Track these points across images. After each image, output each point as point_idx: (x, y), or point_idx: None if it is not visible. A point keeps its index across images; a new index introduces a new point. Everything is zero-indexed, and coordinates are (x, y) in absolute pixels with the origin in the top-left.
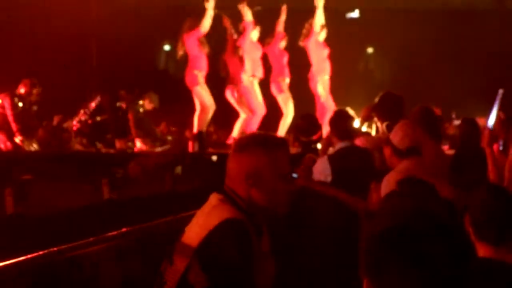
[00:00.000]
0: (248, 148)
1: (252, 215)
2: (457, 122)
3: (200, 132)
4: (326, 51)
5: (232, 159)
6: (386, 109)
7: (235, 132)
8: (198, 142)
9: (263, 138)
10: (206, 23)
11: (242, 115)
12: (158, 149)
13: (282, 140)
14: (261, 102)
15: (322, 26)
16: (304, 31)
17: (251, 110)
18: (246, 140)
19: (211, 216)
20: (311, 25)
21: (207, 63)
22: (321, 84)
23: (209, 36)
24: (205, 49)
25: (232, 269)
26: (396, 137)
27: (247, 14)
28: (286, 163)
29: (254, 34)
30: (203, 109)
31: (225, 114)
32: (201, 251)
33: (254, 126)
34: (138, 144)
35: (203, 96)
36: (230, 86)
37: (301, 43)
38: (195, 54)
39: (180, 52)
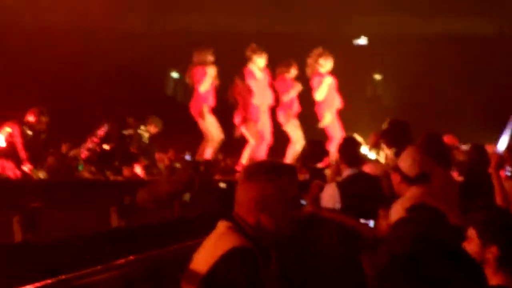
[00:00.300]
0: (256, 176)
1: (260, 241)
2: (465, 148)
3: (198, 162)
4: (333, 84)
5: (240, 186)
6: (394, 136)
7: (244, 159)
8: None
9: (271, 165)
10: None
11: (251, 142)
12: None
13: (290, 166)
14: (268, 129)
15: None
16: (309, 69)
17: (259, 137)
18: (254, 168)
19: (219, 244)
20: (316, 62)
21: (214, 95)
22: (329, 114)
23: (217, 61)
24: (214, 82)
25: None
26: (405, 163)
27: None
28: (294, 190)
29: (260, 61)
30: (207, 139)
31: (234, 141)
32: (209, 279)
33: (262, 153)
34: (139, 171)
35: (207, 128)
36: (238, 113)
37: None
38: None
39: (188, 81)
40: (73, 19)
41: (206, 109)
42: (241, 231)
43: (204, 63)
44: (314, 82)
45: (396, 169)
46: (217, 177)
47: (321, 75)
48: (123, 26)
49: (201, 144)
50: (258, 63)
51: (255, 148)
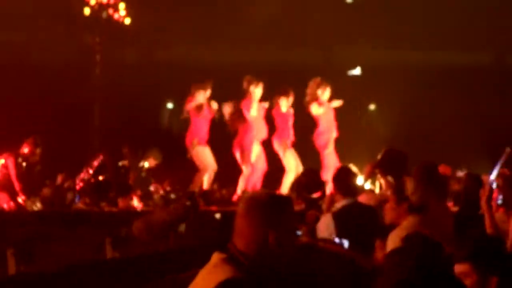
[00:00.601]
0: (255, 207)
1: (256, 273)
2: (461, 174)
3: (193, 192)
4: (331, 112)
5: (240, 217)
6: (389, 165)
7: (240, 189)
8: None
9: (269, 197)
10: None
11: (245, 172)
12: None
13: (287, 198)
14: (263, 158)
15: (323, 85)
16: (308, 97)
17: (251, 166)
18: (254, 199)
19: (212, 276)
20: (314, 90)
21: (208, 128)
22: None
23: (213, 91)
24: (211, 115)
25: None
26: (413, 195)
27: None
28: (292, 221)
29: (258, 91)
30: (200, 169)
31: (229, 171)
32: None
33: (257, 183)
34: (135, 202)
35: (199, 158)
36: (236, 143)
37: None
38: (197, 120)
39: (185, 115)
40: (70, 52)
41: (196, 143)
42: (235, 263)
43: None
44: (313, 107)
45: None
46: (213, 208)
47: (320, 103)
48: (118, 58)
49: (196, 174)
50: (256, 94)
51: (250, 177)
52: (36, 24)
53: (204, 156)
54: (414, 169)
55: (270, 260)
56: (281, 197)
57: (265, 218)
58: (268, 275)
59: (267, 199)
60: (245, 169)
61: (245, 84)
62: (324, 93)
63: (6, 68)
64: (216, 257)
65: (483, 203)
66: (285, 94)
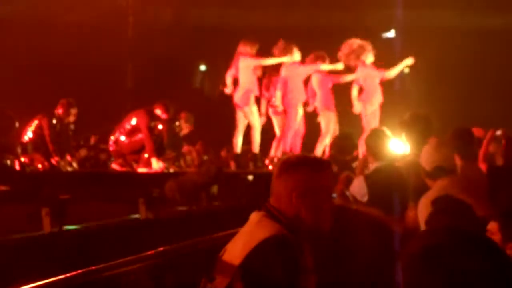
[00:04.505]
0: (296, 168)
1: (295, 233)
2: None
3: (237, 154)
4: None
5: (279, 179)
6: (413, 128)
7: (273, 151)
8: (236, 162)
9: (310, 159)
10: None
11: (278, 134)
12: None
13: (327, 161)
14: (301, 121)
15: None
16: (351, 57)
17: (291, 130)
18: (294, 161)
19: (255, 233)
20: (362, 48)
21: (258, 85)
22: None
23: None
24: (258, 72)
25: (277, 286)
26: (422, 158)
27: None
28: (331, 183)
29: (296, 55)
30: (252, 128)
31: (262, 134)
32: (245, 268)
33: (296, 145)
34: (155, 165)
35: (253, 115)
36: (271, 106)
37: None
38: (248, 76)
39: (232, 73)
40: (103, 13)
41: (252, 97)
42: (277, 220)
43: (247, 54)
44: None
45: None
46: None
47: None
48: (150, 20)
49: (235, 136)
50: (294, 58)
51: (291, 139)
52: None
53: (256, 115)
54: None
55: (309, 221)
56: (321, 159)
57: (298, 180)
58: (307, 235)
59: (307, 161)
60: (278, 132)
61: (277, 51)
62: (368, 57)
63: (39, 29)
64: (256, 215)
65: None
66: (323, 59)
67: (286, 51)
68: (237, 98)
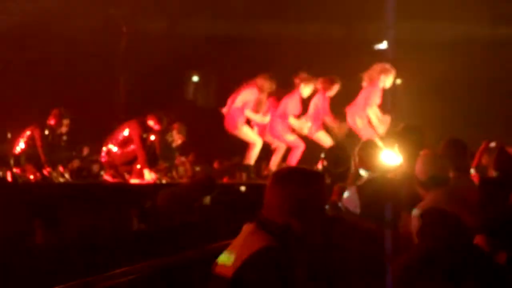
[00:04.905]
0: (288, 180)
1: (287, 244)
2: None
3: (248, 165)
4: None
5: (272, 190)
6: (406, 140)
7: (273, 163)
8: (246, 173)
9: (302, 171)
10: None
11: (281, 147)
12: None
13: (319, 173)
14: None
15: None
16: (367, 76)
17: (292, 144)
18: (287, 172)
19: (247, 244)
20: (377, 75)
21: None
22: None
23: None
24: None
25: None
26: (418, 168)
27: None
28: (324, 195)
29: (307, 90)
30: (252, 145)
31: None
32: (237, 280)
33: (294, 160)
34: (147, 176)
35: (248, 135)
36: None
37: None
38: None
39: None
40: (95, 25)
41: (241, 122)
42: (268, 232)
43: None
44: (367, 91)
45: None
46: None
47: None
48: (143, 30)
49: (249, 148)
50: (304, 92)
51: (290, 153)
52: None
53: (251, 134)
54: (439, 144)
55: (299, 232)
56: (315, 172)
57: (289, 192)
58: (298, 246)
59: (300, 173)
60: (280, 146)
61: (297, 81)
62: (386, 81)
63: (32, 40)
64: (248, 227)
65: None
66: (332, 82)
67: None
68: (227, 123)
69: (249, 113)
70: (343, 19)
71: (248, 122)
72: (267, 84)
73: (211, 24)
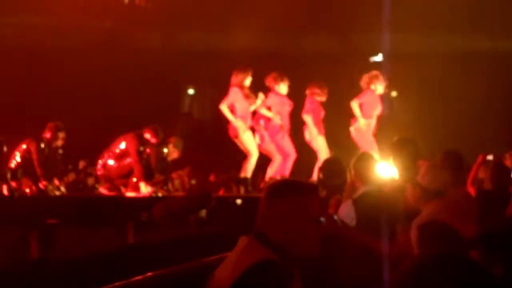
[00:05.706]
0: (283, 194)
1: (283, 257)
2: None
3: (245, 178)
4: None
5: (266, 204)
6: (401, 152)
7: (269, 176)
8: (243, 186)
9: (297, 184)
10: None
11: (277, 159)
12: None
13: (315, 186)
14: (291, 146)
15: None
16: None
17: (283, 155)
18: (281, 186)
19: (243, 257)
20: (370, 82)
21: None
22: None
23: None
24: (251, 99)
25: None
26: (424, 179)
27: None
28: (318, 208)
29: (283, 88)
30: (249, 155)
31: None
32: None
33: (286, 171)
34: (143, 189)
35: (247, 144)
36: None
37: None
38: (242, 105)
39: (227, 103)
40: (91, 38)
41: (243, 128)
42: (263, 246)
43: (241, 85)
44: (364, 97)
45: (416, 184)
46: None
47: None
48: (141, 42)
49: (246, 160)
50: (281, 90)
51: (281, 165)
52: (56, 10)
53: (251, 142)
54: (437, 156)
55: (295, 245)
56: (309, 184)
57: (284, 205)
58: (294, 259)
59: (294, 186)
60: (275, 158)
61: (270, 81)
62: (378, 87)
63: (28, 54)
64: (244, 240)
65: None
66: (322, 88)
67: (276, 81)
68: (230, 130)
69: (264, 111)
70: (339, 32)
71: (253, 130)
72: (240, 76)
73: (206, 38)
